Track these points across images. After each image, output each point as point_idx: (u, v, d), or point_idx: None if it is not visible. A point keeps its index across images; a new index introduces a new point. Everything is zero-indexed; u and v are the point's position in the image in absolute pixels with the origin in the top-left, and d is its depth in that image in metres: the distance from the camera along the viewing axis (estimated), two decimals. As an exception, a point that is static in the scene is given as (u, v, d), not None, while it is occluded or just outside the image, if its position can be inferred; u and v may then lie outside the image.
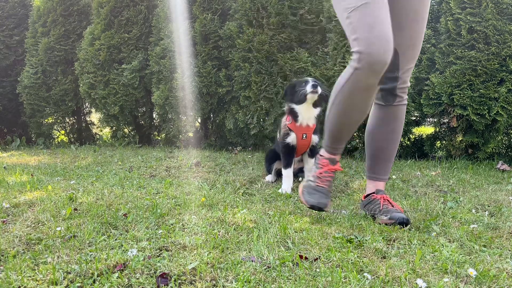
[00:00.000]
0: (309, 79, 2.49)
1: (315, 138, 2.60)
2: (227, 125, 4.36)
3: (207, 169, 3.21)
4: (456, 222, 1.85)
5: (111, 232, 1.61)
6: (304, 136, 2.52)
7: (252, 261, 1.33)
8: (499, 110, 3.37)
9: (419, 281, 1.20)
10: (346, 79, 1.65)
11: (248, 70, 4.09)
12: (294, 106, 2.50)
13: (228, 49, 4.31)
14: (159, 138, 5.36)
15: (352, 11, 1.56)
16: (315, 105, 2.49)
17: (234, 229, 1.67)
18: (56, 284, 1.16)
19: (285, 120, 2.59)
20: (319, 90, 2.39)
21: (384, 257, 1.43)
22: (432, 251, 1.47)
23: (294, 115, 2.52)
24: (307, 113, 2.51)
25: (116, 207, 1.95)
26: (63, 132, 5.80)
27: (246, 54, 4.11)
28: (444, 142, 3.91)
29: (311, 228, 1.71)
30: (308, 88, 2.39)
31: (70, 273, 1.23)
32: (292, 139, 2.53)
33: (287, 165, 2.56)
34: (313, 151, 2.68)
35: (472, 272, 1.25)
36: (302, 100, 2.45)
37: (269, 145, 4.23)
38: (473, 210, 2.06)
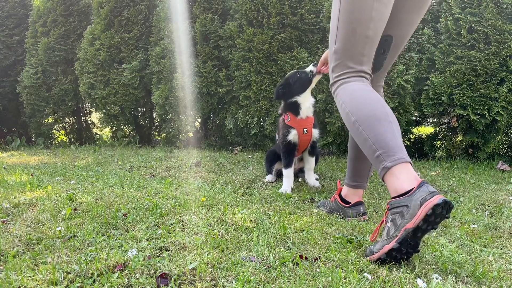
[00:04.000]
0: (300, 69, 2.51)
1: (315, 132, 2.59)
2: (227, 125, 4.36)
3: (207, 169, 3.20)
4: (456, 222, 1.85)
5: (111, 232, 1.61)
6: (305, 131, 2.52)
7: (252, 261, 1.33)
8: (499, 110, 3.37)
9: (419, 281, 1.20)
10: None
11: (248, 70, 4.09)
12: (297, 98, 2.51)
13: (228, 49, 4.31)
14: (159, 138, 5.36)
15: None
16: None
17: (234, 229, 1.67)
18: (56, 284, 1.16)
19: (284, 120, 2.59)
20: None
21: (384, 257, 1.43)
22: (432, 251, 1.47)
23: (295, 109, 2.53)
24: (307, 102, 2.54)
25: (116, 207, 1.95)
26: (63, 132, 5.80)
27: (246, 54, 4.11)
28: (444, 142, 3.91)
29: (311, 228, 1.71)
30: (313, 69, 2.41)
31: (70, 273, 1.23)
32: (293, 136, 2.53)
33: (288, 165, 2.55)
34: (314, 148, 2.68)
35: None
36: (305, 86, 2.47)
37: (269, 145, 4.23)
38: (473, 210, 2.06)
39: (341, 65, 1.61)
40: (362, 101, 1.52)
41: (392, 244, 1.30)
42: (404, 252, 1.30)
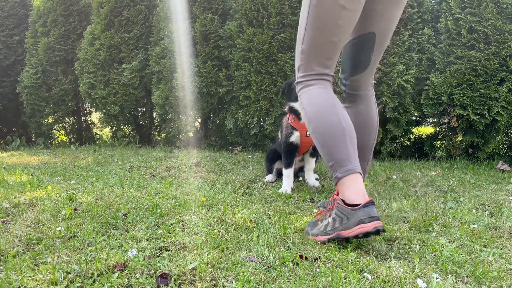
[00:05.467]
0: None
1: None
2: (227, 125, 4.36)
3: (207, 169, 3.21)
4: (456, 222, 1.85)
5: (111, 232, 1.61)
6: (308, 134, 2.52)
7: (252, 261, 1.33)
8: (499, 110, 3.37)
9: (419, 281, 1.20)
10: None
11: (248, 70, 4.09)
12: (294, 104, 2.50)
13: (228, 49, 4.31)
14: (159, 138, 5.36)
15: None
16: None
17: (234, 229, 1.67)
18: (56, 284, 1.16)
19: (288, 119, 2.58)
20: None
21: (384, 257, 1.43)
22: (432, 251, 1.47)
23: (296, 113, 2.52)
24: None
25: (116, 207, 1.95)
26: (63, 132, 5.80)
27: (246, 54, 4.11)
28: (444, 142, 3.91)
29: (311, 228, 1.71)
30: None
31: (70, 273, 1.23)
32: (295, 137, 2.52)
33: (288, 165, 2.55)
34: (315, 150, 2.68)
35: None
36: (297, 96, 2.45)
37: (269, 145, 4.23)
38: (473, 210, 2.06)
39: (306, 66, 1.68)
40: (319, 110, 1.62)
41: (324, 238, 1.54)
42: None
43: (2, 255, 1.36)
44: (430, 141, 3.97)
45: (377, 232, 1.42)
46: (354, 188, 1.51)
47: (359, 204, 1.47)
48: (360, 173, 1.54)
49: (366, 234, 1.42)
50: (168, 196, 2.25)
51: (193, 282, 1.20)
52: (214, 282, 1.20)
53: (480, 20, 3.43)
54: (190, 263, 1.29)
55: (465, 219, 1.89)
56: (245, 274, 1.22)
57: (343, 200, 1.53)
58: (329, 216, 1.58)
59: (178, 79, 4.35)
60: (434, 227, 1.76)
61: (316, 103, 1.64)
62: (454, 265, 1.34)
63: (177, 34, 4.40)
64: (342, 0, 1.54)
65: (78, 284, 1.17)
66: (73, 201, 2.07)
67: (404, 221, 1.87)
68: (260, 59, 4.02)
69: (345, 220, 1.49)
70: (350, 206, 1.49)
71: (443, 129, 3.94)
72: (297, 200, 2.30)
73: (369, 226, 1.42)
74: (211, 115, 4.74)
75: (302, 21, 1.67)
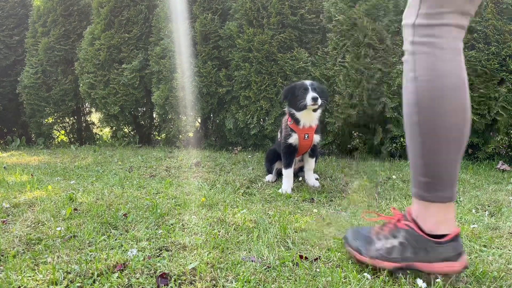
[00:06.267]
0: (308, 85, 2.44)
1: (316, 138, 2.59)
2: (227, 125, 4.36)
3: (207, 169, 3.20)
4: (456, 222, 1.85)
5: (111, 232, 1.61)
6: (306, 136, 2.52)
7: (252, 261, 1.33)
8: (499, 110, 3.37)
9: (419, 281, 1.20)
10: None
11: (248, 70, 4.09)
12: (295, 112, 2.50)
13: (228, 49, 4.31)
14: (159, 138, 5.36)
15: None
16: (315, 110, 2.49)
17: (234, 229, 1.67)
18: (56, 284, 1.16)
19: (287, 121, 2.59)
20: (319, 102, 2.37)
21: (384, 257, 1.43)
22: (432, 251, 1.47)
23: (295, 119, 2.53)
24: (308, 117, 2.51)
25: (116, 207, 1.95)
26: (63, 132, 5.80)
27: (246, 54, 4.11)
28: (444, 142, 3.91)
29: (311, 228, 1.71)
30: (308, 101, 2.36)
31: (70, 273, 1.23)
32: (294, 139, 2.53)
33: (288, 165, 2.56)
34: (314, 151, 2.68)
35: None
36: (302, 109, 2.45)
37: (269, 145, 4.23)
38: (473, 210, 2.06)
39: None
40: (442, 102, 1.07)
41: (388, 265, 1.24)
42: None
43: (2, 255, 1.36)
44: (430, 141, 3.96)
45: (465, 270, 1.20)
46: (443, 218, 1.17)
47: (444, 236, 1.16)
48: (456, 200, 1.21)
49: (453, 274, 1.19)
50: (168, 196, 2.25)
51: (193, 282, 1.20)
52: (214, 282, 1.20)
53: (480, 20, 3.43)
54: (190, 263, 1.29)
55: (465, 219, 1.89)
56: (245, 274, 1.22)
57: (417, 224, 1.19)
58: (394, 237, 1.23)
59: (178, 79, 4.35)
60: (434, 227, 1.75)
61: (441, 85, 1.06)
62: (454, 265, 1.34)
63: (177, 34, 4.40)
64: None
65: (78, 284, 1.17)
66: (73, 201, 2.07)
67: (404, 221, 1.87)
68: (260, 59, 4.02)
69: (421, 253, 1.18)
70: (430, 236, 1.18)
71: (443, 129, 3.93)
72: (297, 200, 2.30)
73: (457, 266, 1.16)
74: (211, 115, 4.74)
75: None
